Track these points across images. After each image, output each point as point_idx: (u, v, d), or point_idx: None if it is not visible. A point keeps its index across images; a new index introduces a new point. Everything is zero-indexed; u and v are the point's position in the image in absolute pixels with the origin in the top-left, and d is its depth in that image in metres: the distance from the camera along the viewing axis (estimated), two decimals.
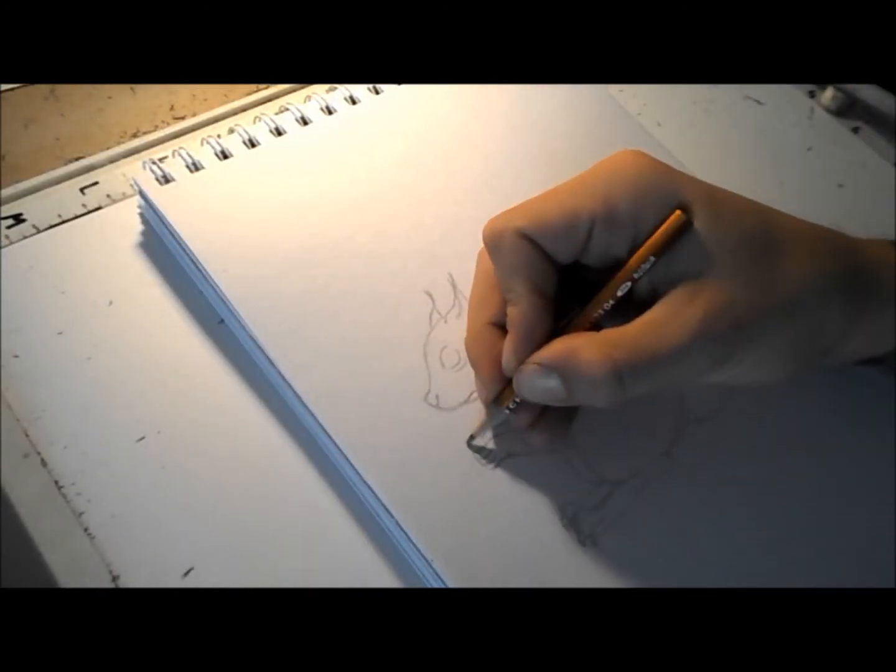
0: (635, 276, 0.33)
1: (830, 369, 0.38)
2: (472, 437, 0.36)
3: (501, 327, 0.35)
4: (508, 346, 0.34)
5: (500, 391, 0.35)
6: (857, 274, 0.34)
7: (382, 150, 0.42)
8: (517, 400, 0.34)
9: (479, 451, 0.36)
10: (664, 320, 0.32)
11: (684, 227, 0.32)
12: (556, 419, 0.35)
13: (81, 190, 0.41)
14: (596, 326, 0.34)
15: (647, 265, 0.33)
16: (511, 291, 0.34)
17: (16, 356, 0.36)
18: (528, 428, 0.35)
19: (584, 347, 0.32)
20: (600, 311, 0.33)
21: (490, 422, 0.36)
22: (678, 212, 0.32)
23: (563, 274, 0.35)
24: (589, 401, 0.33)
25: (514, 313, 0.34)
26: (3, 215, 0.40)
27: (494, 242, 0.34)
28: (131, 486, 0.34)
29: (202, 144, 0.41)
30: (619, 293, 0.33)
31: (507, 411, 0.35)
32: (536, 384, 0.33)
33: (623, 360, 0.32)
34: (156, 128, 0.45)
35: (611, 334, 0.33)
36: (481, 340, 0.35)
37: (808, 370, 0.35)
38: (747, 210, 0.34)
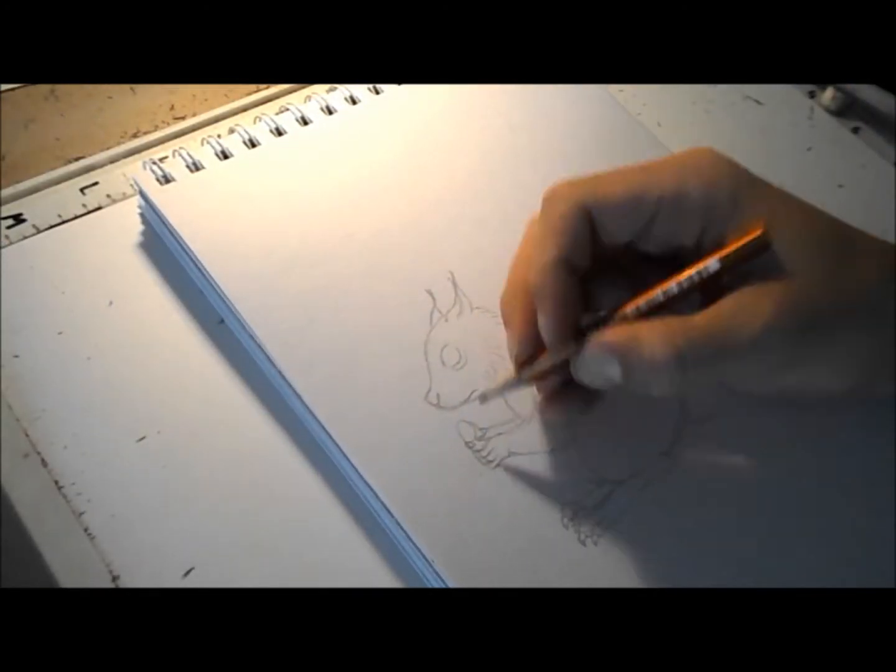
0: (703, 275, 0.32)
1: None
2: (484, 394, 0.36)
3: None
4: (543, 318, 0.33)
5: (530, 353, 0.34)
6: None
7: (382, 150, 0.42)
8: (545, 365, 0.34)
9: (484, 399, 0.36)
10: (734, 312, 0.32)
11: (764, 248, 0.32)
12: (574, 401, 0.35)
13: (81, 190, 0.41)
14: (646, 314, 0.33)
15: (717, 267, 0.32)
16: (544, 253, 0.34)
17: (16, 356, 0.36)
18: (547, 400, 0.35)
19: (646, 333, 0.32)
20: (660, 296, 0.33)
21: (510, 386, 0.35)
22: (761, 230, 0.32)
23: (603, 256, 0.34)
24: (646, 387, 0.33)
25: (538, 280, 0.33)
26: (3, 215, 0.40)
27: (551, 202, 0.34)
28: (131, 486, 0.34)
29: (202, 144, 0.41)
30: (687, 285, 0.33)
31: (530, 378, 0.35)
32: (597, 365, 0.33)
33: (688, 348, 0.31)
34: (156, 128, 0.45)
35: (674, 322, 0.32)
36: (517, 298, 0.35)
37: (871, 388, 0.35)
38: (819, 215, 0.34)
